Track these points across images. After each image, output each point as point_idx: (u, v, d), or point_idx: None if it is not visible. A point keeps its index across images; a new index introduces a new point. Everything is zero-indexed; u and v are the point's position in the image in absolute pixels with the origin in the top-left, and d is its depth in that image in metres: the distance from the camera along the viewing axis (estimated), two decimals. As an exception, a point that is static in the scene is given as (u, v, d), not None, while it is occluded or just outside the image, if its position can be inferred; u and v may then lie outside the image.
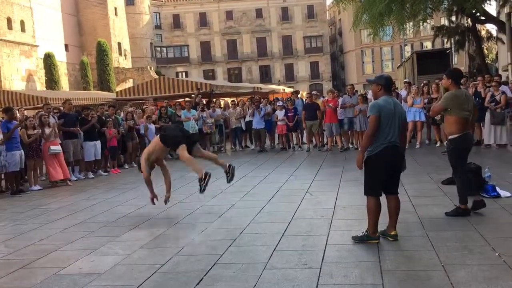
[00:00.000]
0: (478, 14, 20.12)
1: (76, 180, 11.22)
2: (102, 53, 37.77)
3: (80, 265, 4.90)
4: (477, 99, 11.86)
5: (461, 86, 6.11)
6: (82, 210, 7.73)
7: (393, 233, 4.93)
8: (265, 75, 57.36)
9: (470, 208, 5.70)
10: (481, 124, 11.97)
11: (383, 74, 5.22)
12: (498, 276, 3.84)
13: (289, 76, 57.69)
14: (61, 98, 15.71)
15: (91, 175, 11.63)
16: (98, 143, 11.75)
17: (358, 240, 4.92)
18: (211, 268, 4.52)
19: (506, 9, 20.52)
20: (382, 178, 4.81)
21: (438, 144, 12.69)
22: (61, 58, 37.21)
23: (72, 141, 11.26)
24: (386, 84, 4.89)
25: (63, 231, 6.42)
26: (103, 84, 36.92)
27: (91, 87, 36.52)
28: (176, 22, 57.32)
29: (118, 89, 32.24)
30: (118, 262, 4.88)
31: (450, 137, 5.82)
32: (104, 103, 16.04)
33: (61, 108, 12.65)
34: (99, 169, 12.08)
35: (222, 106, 17.38)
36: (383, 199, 4.96)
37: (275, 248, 4.96)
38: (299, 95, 16.58)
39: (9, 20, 30.75)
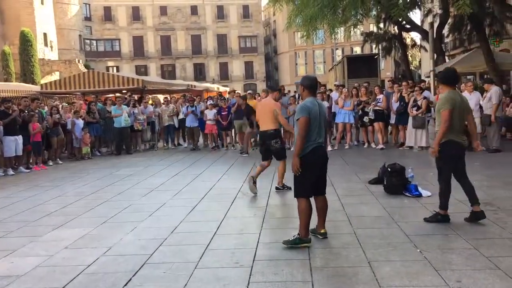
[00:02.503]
0: (404, 22, 21.16)
1: (3, 175, 10.49)
2: (25, 43, 35.59)
3: (-4, 267, 4.58)
4: (401, 104, 12.50)
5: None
6: (0, 209, 7.23)
7: (322, 231, 5.05)
8: (199, 73, 56.90)
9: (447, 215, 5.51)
10: (405, 127, 12.62)
11: (308, 75, 5.18)
12: (419, 271, 4.03)
13: (224, 74, 57.63)
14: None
15: (11, 171, 10.94)
16: (19, 138, 11.07)
17: (290, 244, 4.77)
18: (140, 268, 4.39)
19: (429, 19, 21.74)
20: (313, 178, 4.82)
21: (366, 146, 13.20)
22: (-21, 47, 34.67)
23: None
24: (309, 85, 4.87)
25: (-22, 231, 5.97)
26: (27, 76, 34.82)
27: (13, 78, 34.33)
28: (107, 15, 55.34)
29: (43, 81, 30.58)
30: (40, 264, 4.61)
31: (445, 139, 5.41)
32: (27, 96, 15.14)
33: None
34: (20, 166, 11.39)
35: (152, 102, 17.00)
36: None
37: (207, 247, 4.91)
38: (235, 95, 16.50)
39: None
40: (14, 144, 10.95)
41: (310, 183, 4.82)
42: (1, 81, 31.61)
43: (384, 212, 6.07)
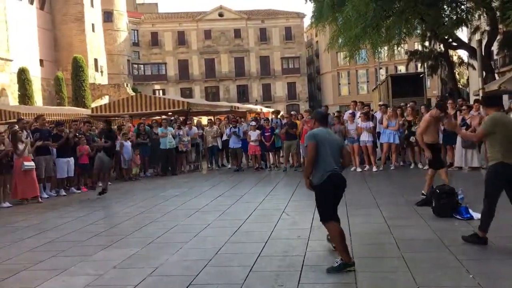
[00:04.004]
0: (450, 40, 20.71)
1: (48, 197, 10.93)
2: (78, 69, 37.29)
3: (49, 285, 4.74)
4: (449, 123, 12.13)
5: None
6: (52, 229, 7.51)
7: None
8: (243, 94, 57.58)
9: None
10: (453, 147, 12.23)
11: (319, 110, 5.93)
12: (472, 298, 3.86)
13: (266, 96, 58.06)
14: (34, 113, 15.38)
15: (63, 192, 11.36)
16: (71, 160, 11.52)
17: (334, 271, 4.67)
18: (185, 289, 4.43)
19: (477, 36, 21.18)
20: (331, 202, 4.95)
21: (412, 166, 12.87)
22: (35, 73, 36.57)
23: (44, 158, 10.99)
24: (319, 118, 5.24)
25: (32, 250, 6.21)
26: (78, 100, 36.37)
27: (65, 102, 35.93)
28: (154, 40, 57.27)
29: (93, 105, 31.80)
30: (90, 283, 4.73)
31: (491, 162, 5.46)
32: (77, 120, 15.79)
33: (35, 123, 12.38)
34: (71, 187, 11.82)
35: (195, 124, 17.32)
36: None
37: (251, 269, 4.90)
38: (279, 115, 16.56)
39: (-17, 34, 30.18)
40: (66, 166, 11.39)
41: (331, 206, 4.94)
42: (55, 105, 33.19)
43: (433, 235, 5.87)
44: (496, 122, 5.34)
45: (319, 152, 4.88)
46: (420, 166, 12.63)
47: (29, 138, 10.65)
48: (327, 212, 4.94)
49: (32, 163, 10.33)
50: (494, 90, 16.51)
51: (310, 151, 4.94)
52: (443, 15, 16.68)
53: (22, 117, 13.40)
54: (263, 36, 58.53)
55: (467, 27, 21.83)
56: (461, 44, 21.60)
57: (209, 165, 16.14)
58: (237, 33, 58.21)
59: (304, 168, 13.44)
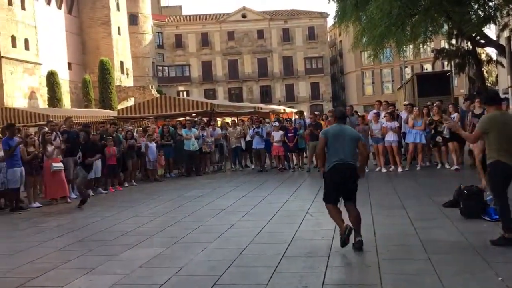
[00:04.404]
0: (478, 37, 20.26)
1: (76, 197, 11.15)
2: (104, 72, 37.99)
3: (78, 284, 4.84)
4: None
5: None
6: (80, 228, 7.68)
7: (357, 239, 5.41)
8: (266, 95, 57.61)
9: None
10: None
11: (338, 108, 6.62)
12: (501, 301, 3.78)
13: (290, 96, 57.96)
14: (63, 115, 15.75)
15: (90, 193, 11.56)
16: (98, 161, 11.71)
17: (343, 244, 5.38)
18: (210, 289, 4.46)
19: (505, 33, 20.69)
20: (333, 189, 5.62)
21: (439, 166, 12.65)
22: (64, 76, 37.42)
23: (72, 159, 11.22)
24: (337, 115, 5.97)
25: (61, 249, 6.36)
26: (105, 102, 37.03)
27: (92, 105, 36.64)
28: (178, 42, 57.85)
29: (119, 107, 32.35)
30: (117, 282, 4.82)
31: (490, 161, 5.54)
32: (103, 122, 16.07)
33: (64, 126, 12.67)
34: (98, 187, 12.03)
35: (219, 125, 17.41)
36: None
37: (275, 270, 4.91)
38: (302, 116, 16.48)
39: (13, 38, 31.01)
40: (94, 167, 11.59)
41: (332, 192, 5.63)
42: (82, 108, 33.88)
43: (461, 237, 5.77)
44: (494, 120, 5.38)
45: (328, 146, 5.60)
46: (447, 166, 12.41)
47: (58, 139, 10.89)
48: (328, 195, 5.67)
49: (61, 164, 10.56)
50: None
51: (319, 144, 5.83)
52: (470, 12, 16.32)
53: (51, 119, 13.74)
54: (286, 36, 58.44)
55: (495, 24, 21.33)
56: (489, 42, 21.09)
57: (232, 166, 16.20)
58: (260, 33, 58.30)
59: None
